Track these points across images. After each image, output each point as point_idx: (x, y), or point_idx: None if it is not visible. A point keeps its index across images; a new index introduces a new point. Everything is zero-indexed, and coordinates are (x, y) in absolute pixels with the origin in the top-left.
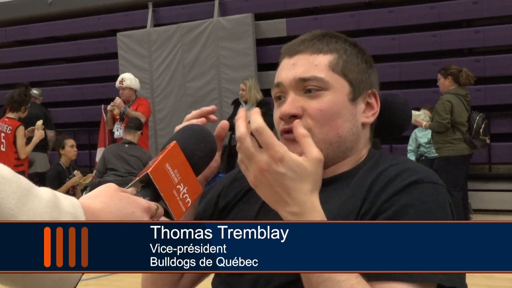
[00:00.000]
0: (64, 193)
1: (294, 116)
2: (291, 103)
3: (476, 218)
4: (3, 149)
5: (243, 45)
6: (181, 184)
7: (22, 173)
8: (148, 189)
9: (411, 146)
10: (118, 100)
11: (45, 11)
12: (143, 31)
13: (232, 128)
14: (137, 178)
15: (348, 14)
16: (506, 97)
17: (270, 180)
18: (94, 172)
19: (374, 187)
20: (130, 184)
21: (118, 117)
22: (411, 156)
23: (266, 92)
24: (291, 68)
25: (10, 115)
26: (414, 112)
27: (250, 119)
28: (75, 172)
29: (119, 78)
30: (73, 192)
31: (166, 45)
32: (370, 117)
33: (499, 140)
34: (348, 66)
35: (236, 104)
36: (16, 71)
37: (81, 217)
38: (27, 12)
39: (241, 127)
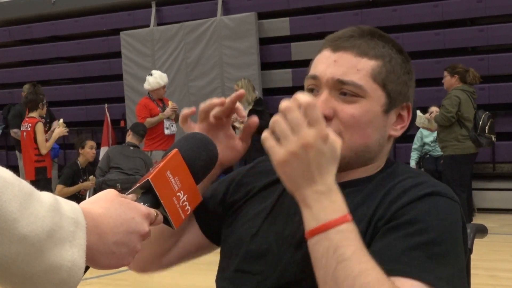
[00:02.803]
0: (73, 194)
1: (324, 117)
2: (324, 102)
3: (479, 217)
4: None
5: (246, 44)
6: (181, 192)
7: (44, 168)
8: (148, 195)
9: (415, 144)
10: (176, 106)
11: (48, 11)
12: (146, 30)
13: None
14: (138, 185)
15: (352, 13)
16: (510, 96)
17: (310, 157)
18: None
19: (388, 196)
20: (130, 190)
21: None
22: (414, 155)
23: (270, 91)
24: (332, 64)
25: (30, 114)
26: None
27: (297, 96)
28: (91, 177)
29: (166, 78)
30: (83, 194)
31: (169, 44)
32: (398, 130)
33: (503, 139)
34: (389, 77)
35: None
36: (20, 70)
37: (82, 222)
38: (31, 11)
39: (287, 102)
